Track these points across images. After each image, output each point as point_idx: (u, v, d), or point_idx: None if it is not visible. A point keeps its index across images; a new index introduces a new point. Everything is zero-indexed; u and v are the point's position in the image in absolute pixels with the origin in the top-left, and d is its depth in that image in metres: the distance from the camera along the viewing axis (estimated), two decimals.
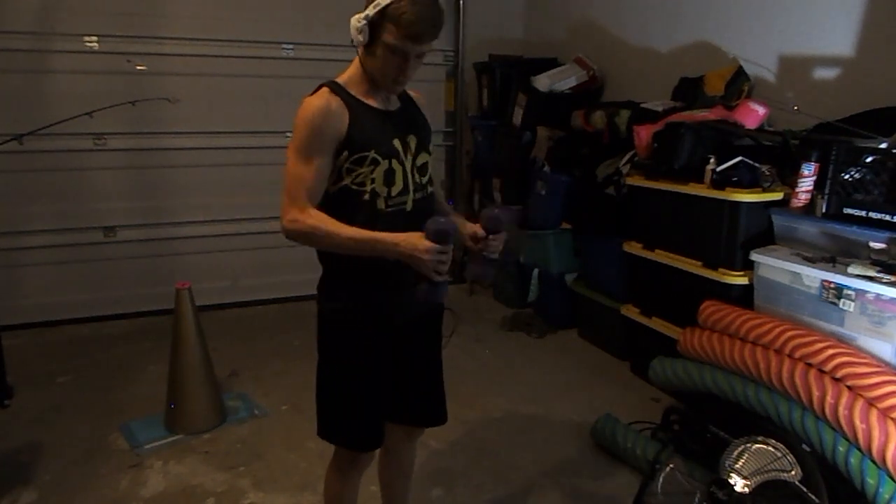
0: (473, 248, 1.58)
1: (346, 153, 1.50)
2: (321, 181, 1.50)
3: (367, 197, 1.53)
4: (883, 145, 2.27)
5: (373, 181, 1.52)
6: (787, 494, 1.81)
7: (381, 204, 1.54)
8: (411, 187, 1.58)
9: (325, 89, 1.52)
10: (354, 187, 1.52)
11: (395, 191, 1.55)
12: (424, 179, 1.62)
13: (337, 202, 1.53)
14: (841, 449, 1.92)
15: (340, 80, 1.56)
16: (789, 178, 2.57)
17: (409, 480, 2.00)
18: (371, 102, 1.55)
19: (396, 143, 1.56)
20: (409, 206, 1.58)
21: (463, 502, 2.37)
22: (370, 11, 1.43)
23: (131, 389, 3.17)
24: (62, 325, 3.96)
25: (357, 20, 1.45)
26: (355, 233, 1.46)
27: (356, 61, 1.55)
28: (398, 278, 1.56)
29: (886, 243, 2.11)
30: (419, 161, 1.60)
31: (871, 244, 2.14)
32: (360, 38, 1.47)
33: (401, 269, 1.50)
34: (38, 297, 3.96)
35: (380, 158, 1.52)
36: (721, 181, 2.63)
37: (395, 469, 1.95)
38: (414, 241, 1.41)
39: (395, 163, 1.54)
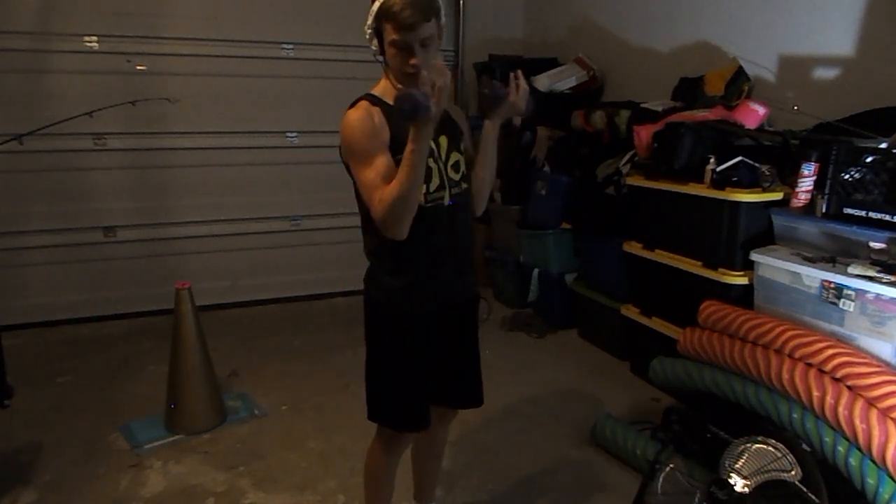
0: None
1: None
2: (389, 176, 1.52)
3: None
4: (883, 145, 2.26)
5: None
6: (787, 494, 1.81)
7: (421, 199, 1.59)
8: (447, 183, 1.65)
9: (363, 102, 1.59)
10: None
11: (432, 187, 1.62)
12: (458, 177, 1.69)
13: None
14: (841, 449, 1.92)
15: (375, 91, 1.63)
16: (789, 178, 2.57)
17: (439, 460, 2.14)
18: None
19: (430, 143, 1.62)
20: (446, 201, 1.65)
21: (463, 502, 2.37)
22: (370, 20, 1.52)
23: (131, 389, 3.17)
24: (62, 325, 3.96)
25: (365, 34, 1.54)
26: (403, 166, 1.47)
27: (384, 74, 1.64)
28: (441, 269, 1.69)
29: (886, 243, 2.10)
30: (452, 160, 1.68)
31: (871, 244, 2.14)
32: (374, 48, 1.57)
33: (443, 259, 1.67)
34: (38, 297, 3.96)
35: None
36: (721, 181, 2.63)
37: (426, 449, 2.06)
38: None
39: (430, 161, 1.59)
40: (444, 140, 1.66)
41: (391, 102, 1.55)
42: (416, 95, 1.38)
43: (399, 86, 1.58)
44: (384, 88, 1.62)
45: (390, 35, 1.48)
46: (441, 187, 1.64)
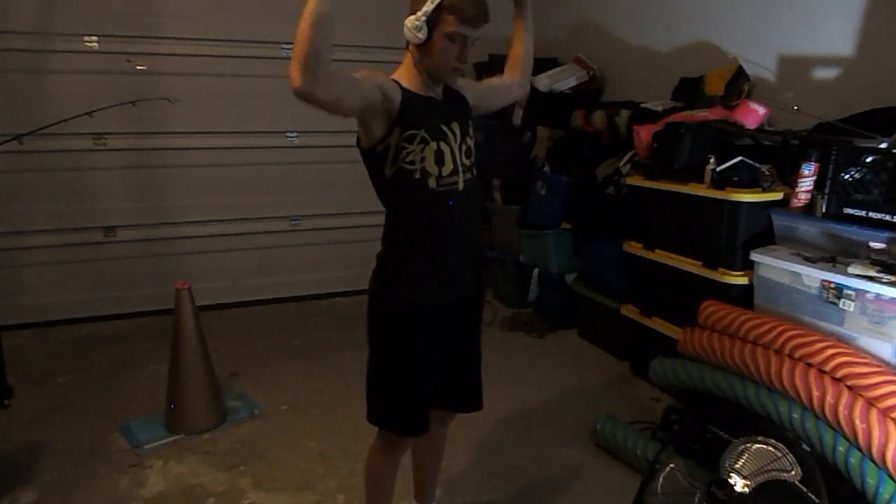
0: None
1: (397, 129, 1.58)
2: (354, 80, 1.48)
3: (417, 175, 1.61)
4: (883, 145, 2.26)
5: (423, 160, 1.60)
6: (787, 494, 1.81)
7: (432, 183, 1.62)
8: (461, 168, 1.67)
9: None
10: (406, 166, 1.60)
11: (445, 171, 1.64)
12: (470, 162, 1.72)
13: (394, 185, 1.63)
14: (841, 449, 1.92)
15: (393, 76, 1.65)
16: (789, 178, 2.57)
17: (439, 461, 2.15)
18: (420, 91, 1.65)
19: (443, 127, 1.65)
20: (460, 186, 1.67)
21: (463, 502, 2.37)
22: (428, 7, 1.52)
23: (131, 389, 3.18)
24: (62, 325, 3.96)
25: (413, 21, 1.55)
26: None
27: (406, 61, 1.66)
28: (454, 257, 1.70)
29: (886, 243, 2.11)
30: (465, 145, 1.71)
31: (871, 244, 2.14)
32: (420, 35, 1.56)
33: (456, 246, 1.68)
34: (38, 297, 3.96)
35: (429, 138, 1.61)
36: (721, 181, 2.63)
37: (426, 450, 2.08)
38: None
39: (443, 144, 1.64)
40: (456, 126, 1.69)
41: (405, 84, 1.60)
42: None
43: (425, 76, 1.63)
44: (400, 74, 1.65)
45: (451, 27, 1.53)
46: (454, 172, 1.66)
